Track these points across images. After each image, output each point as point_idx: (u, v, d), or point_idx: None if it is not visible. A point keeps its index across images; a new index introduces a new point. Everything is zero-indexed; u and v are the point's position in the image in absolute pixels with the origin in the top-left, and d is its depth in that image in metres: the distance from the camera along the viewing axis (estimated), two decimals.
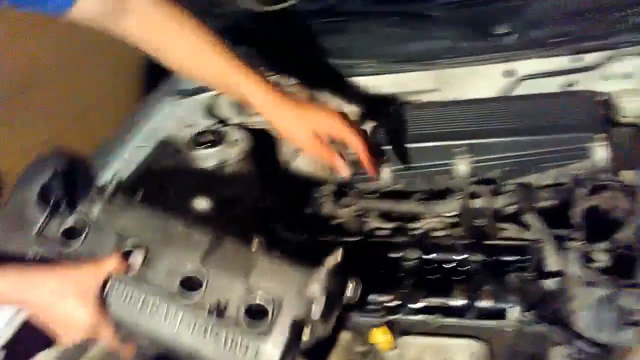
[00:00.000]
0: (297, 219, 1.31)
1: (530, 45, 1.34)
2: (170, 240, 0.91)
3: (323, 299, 0.83)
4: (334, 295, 0.86)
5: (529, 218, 1.07)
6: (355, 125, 1.02)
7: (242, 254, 0.90)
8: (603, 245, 1.05)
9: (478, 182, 1.16)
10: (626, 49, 1.29)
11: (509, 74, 1.41)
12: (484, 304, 0.98)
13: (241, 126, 1.57)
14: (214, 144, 1.46)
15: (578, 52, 1.32)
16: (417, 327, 1.01)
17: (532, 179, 1.15)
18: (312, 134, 1.00)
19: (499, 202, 1.10)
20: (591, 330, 0.89)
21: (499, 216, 1.13)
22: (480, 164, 1.16)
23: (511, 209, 1.12)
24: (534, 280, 0.98)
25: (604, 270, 0.93)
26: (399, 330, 1.02)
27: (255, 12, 1.48)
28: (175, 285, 0.87)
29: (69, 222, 0.93)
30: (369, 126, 1.44)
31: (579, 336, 0.87)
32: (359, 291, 0.89)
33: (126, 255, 0.89)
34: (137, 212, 0.96)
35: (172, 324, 0.85)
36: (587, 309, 0.90)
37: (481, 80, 1.43)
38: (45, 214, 0.92)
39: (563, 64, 1.35)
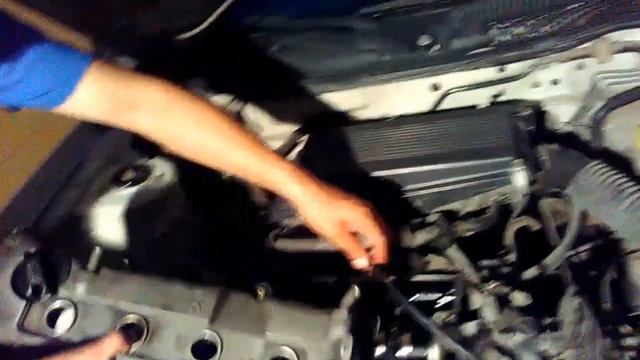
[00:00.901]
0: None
1: (453, 57, 1.30)
2: (172, 304, 0.85)
3: (350, 340, 0.79)
4: (362, 333, 0.82)
5: (452, 252, 1.03)
6: (380, 221, 0.96)
7: (251, 306, 0.85)
8: (532, 270, 1.04)
9: (401, 214, 1.12)
10: (551, 56, 1.25)
11: (435, 87, 1.36)
12: (404, 351, 0.94)
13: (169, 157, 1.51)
14: (135, 181, 1.40)
15: (501, 63, 1.28)
16: None
17: (456, 206, 1.11)
18: (338, 224, 0.94)
19: (419, 237, 1.06)
20: None
21: (424, 250, 1.09)
22: (404, 195, 1.11)
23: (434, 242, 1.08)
24: (456, 321, 0.95)
25: (524, 309, 0.90)
26: None
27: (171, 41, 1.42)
28: (187, 354, 0.81)
29: (53, 306, 0.87)
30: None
31: None
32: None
33: (126, 329, 0.83)
34: (128, 282, 0.89)
35: None
36: (505, 356, 0.87)
37: (409, 95, 1.39)
38: (24, 302, 0.86)
39: (489, 74, 1.31)
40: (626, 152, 1.15)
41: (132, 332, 0.83)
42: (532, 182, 1.06)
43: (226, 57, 1.53)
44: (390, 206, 1.10)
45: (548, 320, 0.89)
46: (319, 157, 1.26)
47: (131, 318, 0.84)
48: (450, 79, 1.34)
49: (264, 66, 1.47)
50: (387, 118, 1.40)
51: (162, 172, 1.46)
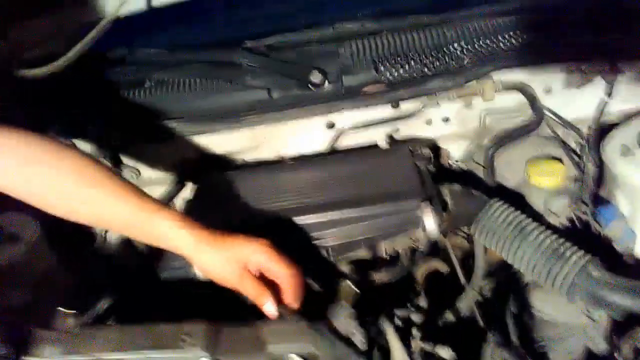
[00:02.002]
0: None
1: (346, 94, 1.25)
2: (160, 343, 0.80)
3: (359, 328, 0.80)
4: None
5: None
6: (283, 256, 0.87)
7: (242, 330, 0.82)
8: (448, 315, 1.00)
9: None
10: (441, 94, 1.25)
11: (330, 125, 1.31)
12: None
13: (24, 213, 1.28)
14: None
15: (393, 100, 1.25)
16: None
17: (365, 254, 1.05)
18: (238, 267, 0.85)
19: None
20: None
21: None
22: (307, 245, 1.02)
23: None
24: None
25: None
26: None
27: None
28: None
29: None
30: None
31: None
32: None
33: None
34: (106, 334, 0.84)
35: None
36: None
37: (303, 135, 1.32)
38: None
39: (383, 113, 1.28)
40: (518, 187, 1.18)
41: None
42: (439, 224, 1.02)
43: (91, 94, 1.35)
44: (292, 258, 1.02)
45: None
46: (208, 205, 1.13)
47: None
48: (345, 117, 1.29)
49: (137, 104, 1.32)
50: (281, 160, 1.32)
51: (19, 230, 1.24)
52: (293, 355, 0.78)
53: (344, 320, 0.83)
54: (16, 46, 1.22)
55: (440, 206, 1.04)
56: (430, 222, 1.01)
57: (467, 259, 1.15)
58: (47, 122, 1.31)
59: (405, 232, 1.03)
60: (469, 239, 1.14)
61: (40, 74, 1.22)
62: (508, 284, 1.12)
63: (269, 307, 0.85)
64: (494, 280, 1.12)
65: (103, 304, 1.02)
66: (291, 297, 0.87)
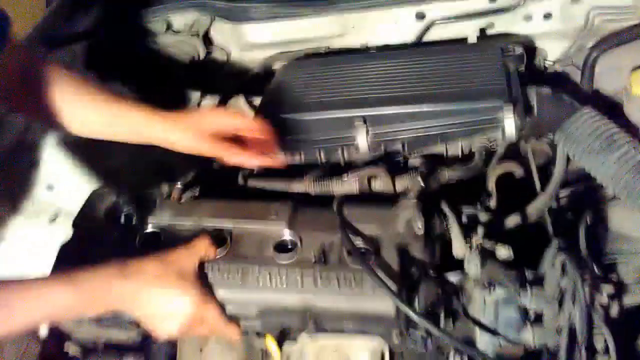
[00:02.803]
0: None
1: None
2: (251, 216, 0.93)
3: (422, 218, 0.86)
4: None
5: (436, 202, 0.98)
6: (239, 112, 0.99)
7: (323, 212, 0.92)
8: (514, 218, 1.00)
9: (381, 157, 1.05)
10: None
11: (420, 16, 1.26)
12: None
13: None
14: None
15: None
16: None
17: (440, 150, 1.05)
18: (207, 137, 0.95)
19: (400, 183, 1.00)
20: (490, 331, 0.84)
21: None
22: (381, 137, 1.04)
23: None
24: (436, 272, 0.91)
25: (507, 263, 0.87)
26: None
27: None
28: (270, 252, 0.88)
29: (143, 232, 0.94)
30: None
31: (472, 343, 0.82)
32: None
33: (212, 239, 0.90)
34: (207, 205, 0.97)
35: (280, 284, 0.85)
36: (486, 310, 0.84)
37: (392, 24, 1.28)
38: (117, 230, 0.94)
39: (479, 5, 1.21)
40: (617, 95, 1.10)
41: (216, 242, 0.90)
42: (520, 129, 0.99)
43: None
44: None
45: (530, 275, 0.87)
46: (291, 88, 1.16)
47: (214, 231, 0.92)
48: (437, 8, 1.23)
49: None
50: (367, 49, 1.30)
51: None
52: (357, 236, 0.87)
53: (408, 209, 0.88)
54: None
55: (524, 110, 1.00)
56: (510, 126, 0.98)
57: (546, 167, 1.13)
58: None
59: (484, 132, 1.01)
60: (552, 145, 1.10)
61: None
62: (585, 196, 1.10)
63: (245, 160, 0.98)
64: (571, 191, 1.10)
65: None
66: (263, 144, 0.98)
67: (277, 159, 1.04)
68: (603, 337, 0.81)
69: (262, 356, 0.97)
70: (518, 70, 1.09)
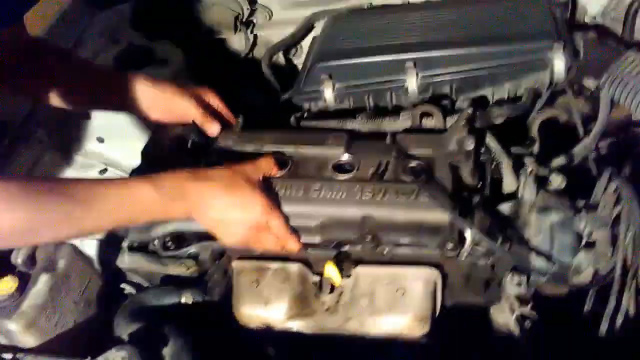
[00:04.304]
0: None
1: None
2: (310, 143, 0.99)
3: (472, 138, 0.90)
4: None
5: (485, 137, 1.01)
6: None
7: (378, 140, 0.98)
8: (559, 160, 1.03)
9: (429, 99, 1.08)
10: None
11: None
12: None
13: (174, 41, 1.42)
14: (139, 64, 1.31)
15: None
16: (372, 256, 0.97)
17: (487, 93, 1.08)
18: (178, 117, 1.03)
19: (451, 121, 1.03)
20: (546, 255, 0.87)
21: None
22: (431, 79, 1.07)
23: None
24: (489, 204, 0.94)
25: (560, 192, 0.90)
26: (352, 261, 0.99)
27: None
28: (329, 172, 0.94)
29: (209, 156, 0.99)
30: None
31: (532, 263, 0.85)
32: None
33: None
34: (268, 134, 1.03)
35: (340, 197, 0.90)
36: (542, 234, 0.87)
37: None
38: (184, 156, 0.99)
39: None
40: None
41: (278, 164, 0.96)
42: (568, 69, 1.02)
43: None
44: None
45: (582, 203, 0.90)
46: (340, 37, 1.19)
47: (276, 154, 0.97)
48: None
49: None
50: (408, 3, 1.32)
51: (167, 56, 1.39)
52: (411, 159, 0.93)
53: (458, 129, 0.94)
54: None
55: (572, 52, 1.03)
56: (559, 65, 1.01)
57: (589, 116, 1.15)
58: None
59: (532, 73, 1.04)
60: (595, 93, 1.12)
61: None
62: (627, 143, 1.12)
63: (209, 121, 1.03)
64: (610, 142, 1.12)
65: None
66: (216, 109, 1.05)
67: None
68: None
69: (317, 289, 1.00)
70: (563, 16, 1.12)
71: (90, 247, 1.20)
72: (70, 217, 0.77)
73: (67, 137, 1.33)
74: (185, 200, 0.85)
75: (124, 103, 1.06)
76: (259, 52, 1.48)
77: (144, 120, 1.13)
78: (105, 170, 1.35)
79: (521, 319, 0.90)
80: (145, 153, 1.01)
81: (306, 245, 0.95)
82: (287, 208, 0.92)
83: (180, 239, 1.02)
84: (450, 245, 0.86)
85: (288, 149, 0.99)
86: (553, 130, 1.13)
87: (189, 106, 1.03)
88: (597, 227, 0.86)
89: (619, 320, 0.87)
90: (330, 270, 0.95)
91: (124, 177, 0.86)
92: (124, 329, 0.99)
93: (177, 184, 0.84)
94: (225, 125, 1.06)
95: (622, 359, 0.88)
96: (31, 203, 0.74)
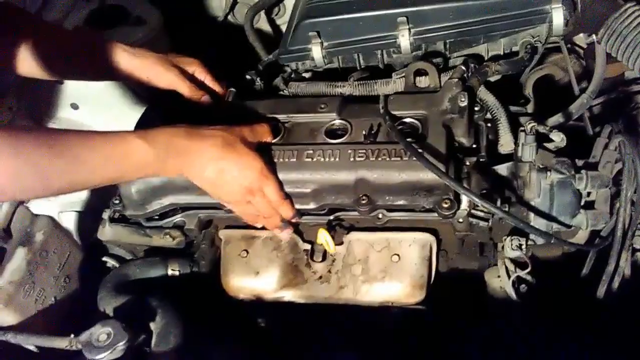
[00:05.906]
0: None
1: None
2: (303, 109, 0.98)
3: (465, 94, 0.89)
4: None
5: (482, 93, 0.97)
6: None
7: (369, 105, 0.95)
8: (555, 118, 1.00)
9: (422, 57, 1.03)
10: None
11: None
12: None
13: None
14: (112, 23, 1.24)
15: None
16: (365, 222, 0.94)
17: (481, 50, 1.03)
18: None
19: (444, 79, 0.98)
20: (545, 216, 0.85)
21: None
22: (424, 35, 1.02)
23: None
24: (486, 164, 0.91)
25: (558, 151, 0.87)
26: (345, 227, 0.96)
27: None
28: (322, 137, 0.93)
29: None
30: None
31: (531, 225, 0.83)
32: None
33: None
34: (260, 102, 1.01)
35: (333, 160, 0.89)
36: (541, 195, 0.85)
37: None
38: None
39: None
40: None
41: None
42: (565, 24, 0.98)
43: None
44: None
45: (581, 163, 0.87)
46: None
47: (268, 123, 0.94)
48: None
49: None
50: None
51: (143, 15, 1.31)
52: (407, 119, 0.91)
53: (451, 87, 0.92)
54: None
55: (569, 5, 0.98)
56: (559, 17, 0.97)
57: (584, 74, 1.12)
58: None
59: (529, 27, 0.99)
60: (588, 49, 1.09)
61: None
62: (621, 101, 1.09)
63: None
64: (604, 100, 1.09)
65: None
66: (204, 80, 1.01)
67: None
68: None
69: (308, 257, 0.97)
70: None
71: (68, 219, 1.15)
72: (60, 169, 0.72)
73: (39, 103, 1.25)
74: (180, 157, 0.81)
75: (100, 74, 1.00)
76: (241, 13, 1.41)
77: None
78: None
79: (517, 282, 0.88)
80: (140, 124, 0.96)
81: (300, 212, 0.93)
82: (281, 175, 0.89)
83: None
84: (446, 205, 0.84)
85: (281, 116, 0.97)
86: (547, 88, 1.10)
87: (174, 79, 0.97)
88: (597, 187, 0.83)
89: (616, 282, 0.86)
90: (324, 237, 0.92)
91: (115, 131, 0.80)
92: (109, 303, 0.96)
93: (172, 141, 0.81)
94: (213, 96, 1.01)
95: (619, 321, 0.86)
96: (20, 154, 0.68)
